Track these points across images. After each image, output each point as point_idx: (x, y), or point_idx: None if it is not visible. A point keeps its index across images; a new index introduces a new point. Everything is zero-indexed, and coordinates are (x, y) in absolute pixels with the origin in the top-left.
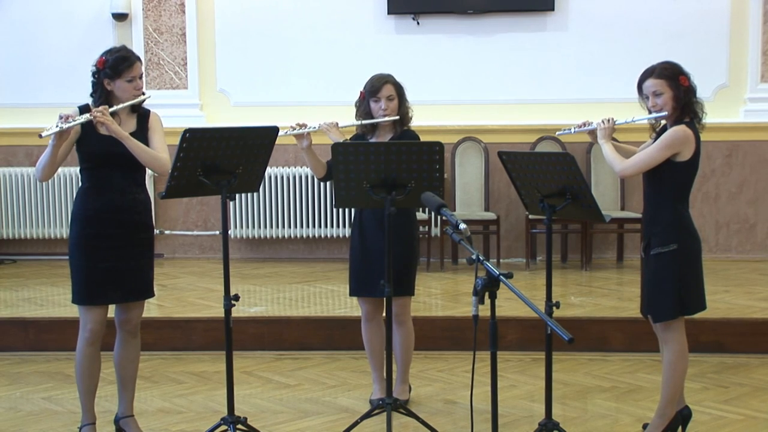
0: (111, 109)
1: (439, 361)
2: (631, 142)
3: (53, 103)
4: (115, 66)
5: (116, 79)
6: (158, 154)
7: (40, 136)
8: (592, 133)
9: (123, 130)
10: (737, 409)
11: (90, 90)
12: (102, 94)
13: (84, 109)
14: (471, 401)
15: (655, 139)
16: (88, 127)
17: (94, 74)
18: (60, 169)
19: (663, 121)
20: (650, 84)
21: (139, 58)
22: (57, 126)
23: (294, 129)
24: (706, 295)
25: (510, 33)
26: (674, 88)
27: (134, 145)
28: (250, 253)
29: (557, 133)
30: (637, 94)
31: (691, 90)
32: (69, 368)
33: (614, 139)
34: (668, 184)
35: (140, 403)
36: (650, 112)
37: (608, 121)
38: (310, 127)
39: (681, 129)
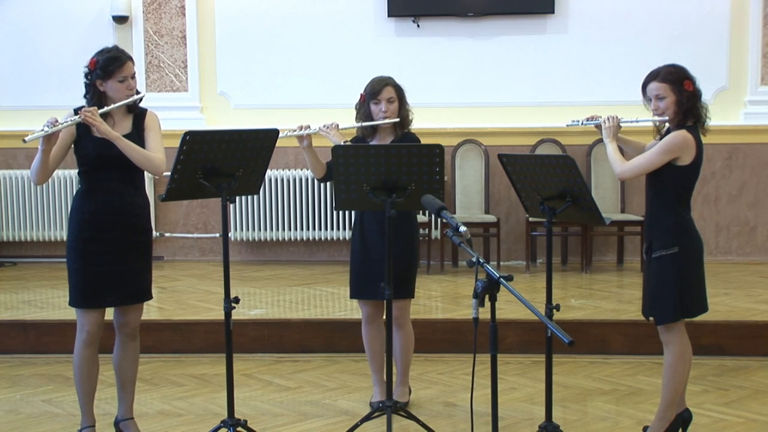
0: (101, 111)
1: (440, 364)
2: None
3: (54, 106)
4: (106, 66)
5: (108, 79)
6: (151, 154)
7: (24, 140)
8: (599, 127)
9: (113, 131)
10: (737, 411)
11: (83, 91)
12: (95, 95)
13: (78, 111)
14: (471, 404)
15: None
16: (83, 130)
17: (86, 75)
18: (60, 172)
19: (667, 124)
20: (654, 87)
21: (130, 58)
22: (42, 130)
23: (295, 131)
24: (707, 298)
25: (510, 36)
26: (677, 93)
27: (126, 146)
28: (251, 255)
29: (566, 124)
30: (642, 96)
31: (695, 95)
32: (69, 371)
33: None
34: (670, 187)
35: (140, 405)
36: (653, 115)
37: (612, 119)
38: (310, 130)
39: (680, 134)
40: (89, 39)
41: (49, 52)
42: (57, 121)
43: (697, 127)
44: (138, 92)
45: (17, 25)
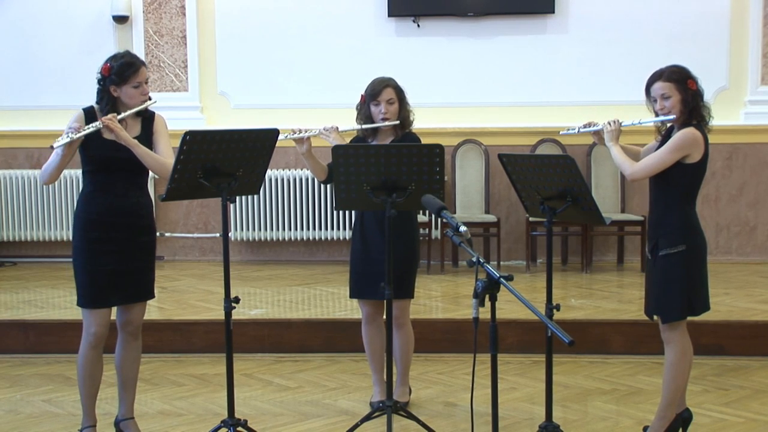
0: (119, 117)
1: (440, 364)
2: (635, 144)
3: (54, 106)
4: (121, 72)
5: (123, 85)
6: (165, 160)
7: (52, 147)
8: (597, 134)
9: (132, 138)
10: (737, 411)
11: (94, 95)
12: (109, 101)
13: (89, 112)
14: (471, 404)
15: (661, 142)
16: (92, 131)
17: (99, 81)
18: None
19: (669, 124)
20: (658, 87)
21: (144, 63)
22: (67, 136)
23: (294, 133)
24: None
25: (510, 35)
26: (682, 92)
27: (143, 152)
28: (251, 255)
29: (561, 132)
30: (645, 96)
31: (698, 94)
32: (69, 371)
33: None
34: (677, 185)
35: (140, 405)
36: (657, 115)
37: (614, 122)
38: (310, 132)
39: (690, 131)
40: (89, 39)
41: (49, 52)
42: (80, 127)
43: (702, 125)
44: (150, 98)
45: (17, 25)
